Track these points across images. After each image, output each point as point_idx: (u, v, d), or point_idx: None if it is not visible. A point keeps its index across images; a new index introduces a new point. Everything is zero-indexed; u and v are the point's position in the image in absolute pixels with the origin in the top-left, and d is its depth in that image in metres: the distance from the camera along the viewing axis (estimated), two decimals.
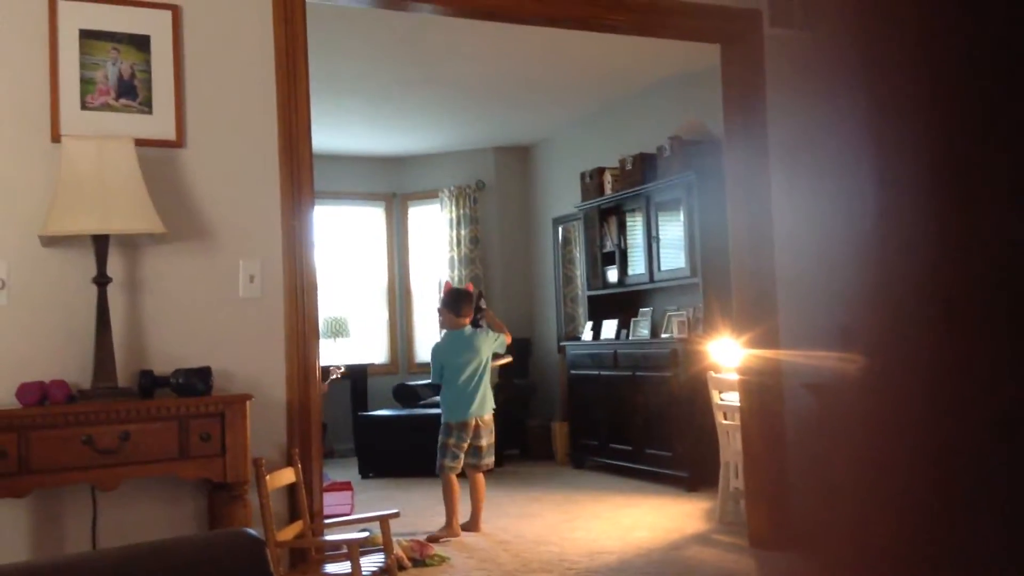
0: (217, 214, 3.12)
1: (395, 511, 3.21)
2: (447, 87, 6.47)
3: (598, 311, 7.00)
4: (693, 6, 3.98)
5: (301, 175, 3.22)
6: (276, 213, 3.19)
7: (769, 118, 4.14)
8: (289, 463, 3.08)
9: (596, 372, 6.61)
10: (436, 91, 6.55)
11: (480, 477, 4.80)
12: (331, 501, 5.37)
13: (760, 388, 4.07)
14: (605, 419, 6.45)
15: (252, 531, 1.53)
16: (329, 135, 7.40)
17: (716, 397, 4.64)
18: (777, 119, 4.15)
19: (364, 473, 6.78)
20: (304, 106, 3.25)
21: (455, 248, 8.23)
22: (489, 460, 4.83)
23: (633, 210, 6.56)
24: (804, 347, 4.09)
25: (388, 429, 6.91)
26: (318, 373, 3.23)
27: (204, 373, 2.85)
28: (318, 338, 3.24)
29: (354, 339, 8.12)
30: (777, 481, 4.00)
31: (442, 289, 5.05)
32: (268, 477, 2.87)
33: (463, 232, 8.21)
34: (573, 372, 6.96)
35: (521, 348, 7.75)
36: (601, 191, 6.88)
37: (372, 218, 8.61)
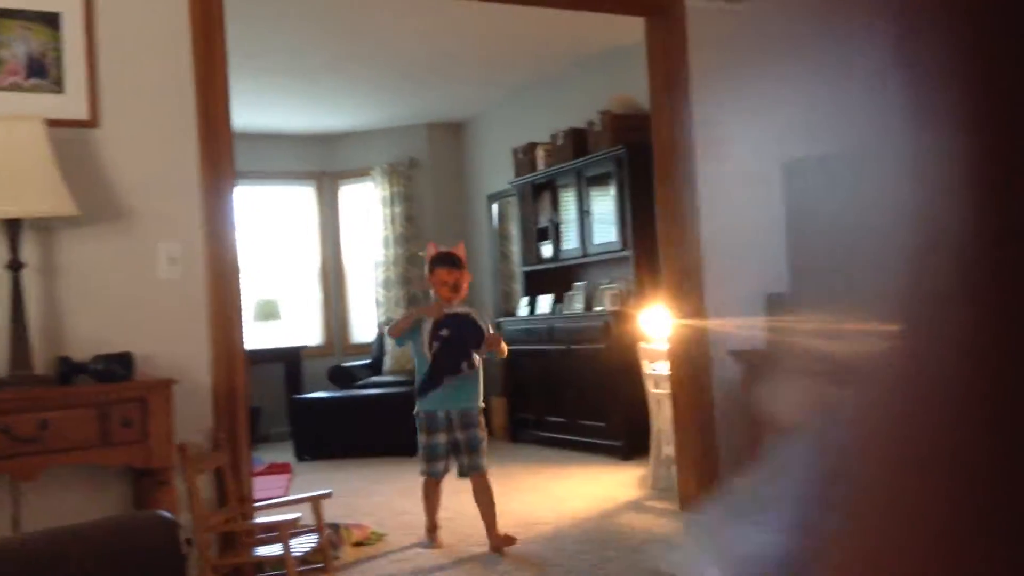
0: (134, 195, 3.05)
1: (327, 491, 3.20)
2: (375, 64, 6.40)
3: (534, 286, 7.04)
4: None
5: (221, 154, 3.16)
6: (196, 193, 3.13)
7: (694, 90, 4.19)
8: (216, 447, 3.05)
9: (532, 347, 6.65)
10: (364, 68, 6.47)
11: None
12: (267, 484, 5.34)
13: (688, 357, 4.14)
14: (541, 393, 6.51)
15: (166, 513, 1.52)
16: (255, 113, 7.27)
17: (646, 367, 4.72)
18: (703, 91, 4.21)
19: (300, 456, 6.73)
20: (223, 83, 3.19)
21: (389, 227, 8.17)
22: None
23: (566, 185, 6.59)
24: (730, 315, 4.18)
25: (324, 411, 6.87)
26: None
27: (125, 358, 2.80)
28: (242, 320, 3.20)
29: (287, 321, 8.03)
30: (705, 447, 4.09)
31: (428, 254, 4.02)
32: (194, 462, 2.84)
33: (397, 210, 8.15)
34: (510, 347, 6.97)
35: None
36: (534, 167, 6.90)
37: (302, 197, 8.50)
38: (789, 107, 4.38)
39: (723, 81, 4.26)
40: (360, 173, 8.38)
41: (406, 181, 8.17)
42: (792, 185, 4.05)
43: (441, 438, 3.83)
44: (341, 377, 7.40)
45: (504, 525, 4.13)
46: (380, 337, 7.79)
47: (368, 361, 7.70)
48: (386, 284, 8.15)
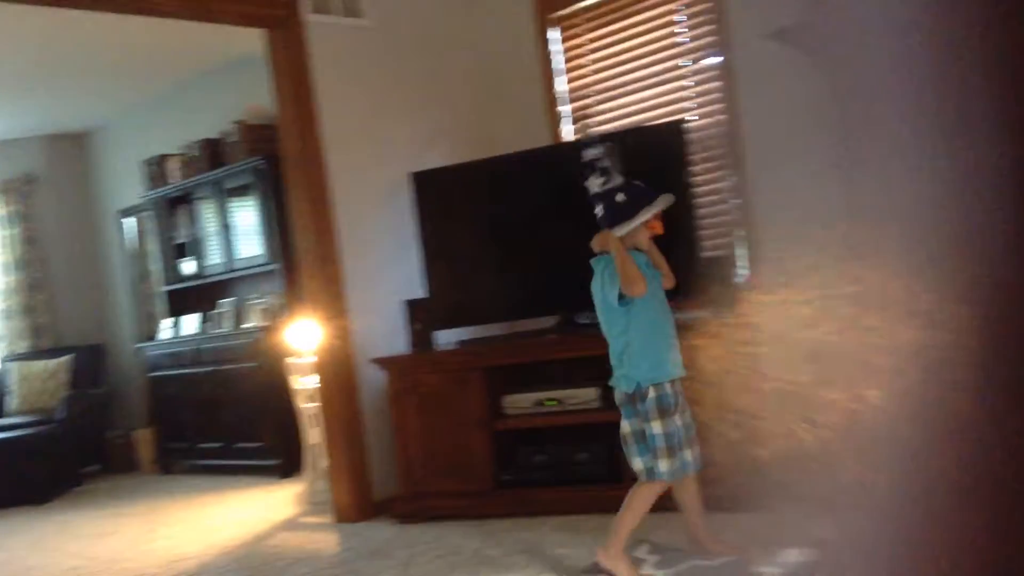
0: None
1: None
2: None
3: (178, 306, 6.66)
4: None
5: None
6: None
7: (322, 103, 4.20)
8: None
9: (178, 371, 6.31)
10: None
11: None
12: None
13: (334, 369, 4.15)
14: (192, 419, 6.19)
15: None
16: None
17: (295, 382, 4.66)
18: (332, 103, 4.23)
19: None
20: None
21: (5, 251, 7.29)
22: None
23: (204, 198, 6.31)
24: (372, 324, 4.25)
25: None
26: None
27: None
28: None
29: None
30: (356, 457, 4.13)
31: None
32: None
33: (15, 232, 7.29)
34: (154, 374, 6.57)
35: (94, 355, 7.13)
36: (167, 179, 6.53)
37: None
38: (415, 119, 4.55)
39: (352, 94, 4.32)
40: None
41: (23, 199, 7.34)
42: (421, 194, 4.20)
43: (679, 419, 2.75)
44: None
45: (147, 566, 3.87)
46: (1, 375, 6.94)
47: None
48: (7, 314, 7.27)
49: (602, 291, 2.80)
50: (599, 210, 2.83)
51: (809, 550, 2.77)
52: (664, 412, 2.72)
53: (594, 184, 2.84)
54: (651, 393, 2.72)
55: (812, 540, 2.86)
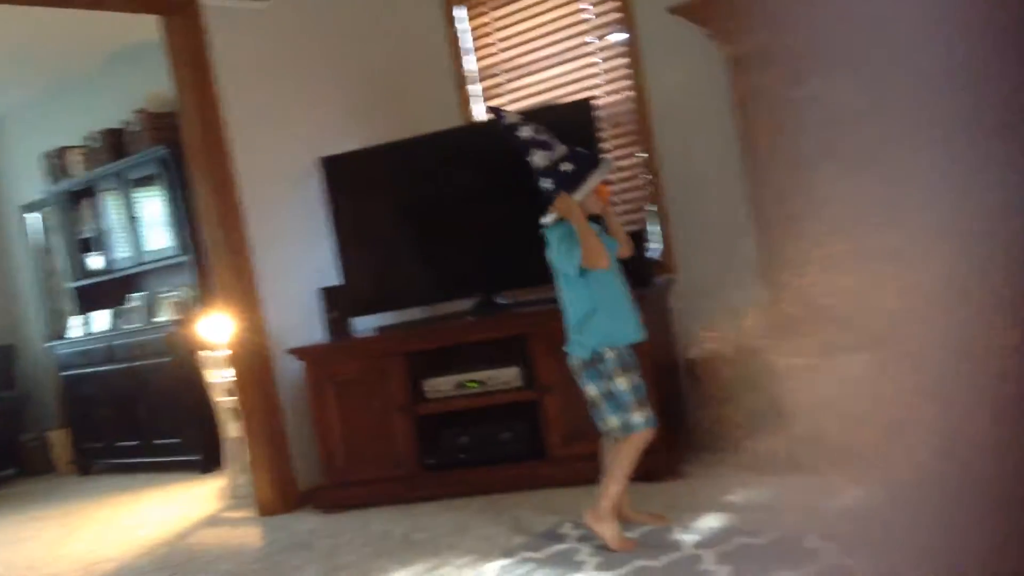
0: None
1: None
2: None
3: (87, 303, 6.45)
4: None
5: None
6: None
7: (224, 90, 4.09)
8: None
9: (91, 369, 6.13)
10: None
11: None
12: None
13: (249, 361, 4.08)
14: (107, 417, 6.03)
15: None
16: None
17: (211, 375, 4.56)
18: (234, 91, 4.12)
19: None
20: None
21: None
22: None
23: (108, 190, 6.11)
24: (287, 313, 4.18)
25: None
26: None
27: None
28: None
29: None
30: (277, 448, 4.07)
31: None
32: None
33: None
34: (66, 373, 6.37)
35: (3, 356, 6.88)
36: (68, 172, 6.30)
37: None
38: (322, 103, 4.46)
39: (255, 79, 4.22)
40: None
41: None
42: (332, 180, 4.14)
43: (637, 376, 2.83)
44: None
45: (64, 572, 3.77)
46: None
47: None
48: None
49: (558, 260, 2.82)
50: (548, 183, 2.83)
51: (725, 516, 2.86)
52: (626, 368, 2.79)
53: (539, 159, 2.85)
54: (609, 354, 2.78)
55: (728, 506, 2.95)
